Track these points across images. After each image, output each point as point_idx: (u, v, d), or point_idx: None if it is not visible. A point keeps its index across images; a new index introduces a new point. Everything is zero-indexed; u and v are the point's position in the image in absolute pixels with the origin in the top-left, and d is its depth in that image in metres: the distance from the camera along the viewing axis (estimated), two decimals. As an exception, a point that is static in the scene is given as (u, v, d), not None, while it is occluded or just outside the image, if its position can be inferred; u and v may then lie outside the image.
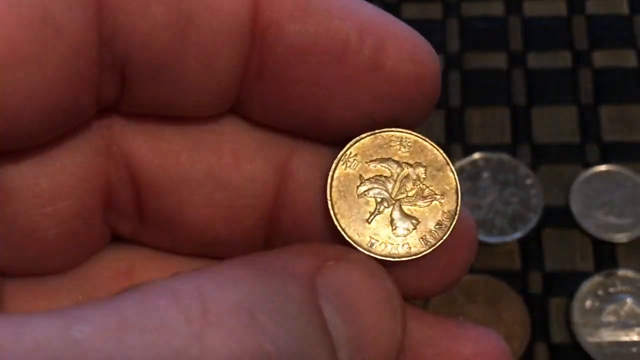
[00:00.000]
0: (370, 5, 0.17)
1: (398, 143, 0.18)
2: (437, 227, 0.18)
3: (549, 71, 0.44)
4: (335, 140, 0.18)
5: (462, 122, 0.43)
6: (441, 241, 0.18)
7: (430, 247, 0.18)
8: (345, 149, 0.18)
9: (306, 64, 0.17)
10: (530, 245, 0.40)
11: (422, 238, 0.18)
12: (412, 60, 0.17)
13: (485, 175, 0.41)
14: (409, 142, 0.18)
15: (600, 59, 0.44)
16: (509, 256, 0.40)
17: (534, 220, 0.40)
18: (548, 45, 0.45)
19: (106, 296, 0.14)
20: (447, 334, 0.19)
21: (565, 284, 0.39)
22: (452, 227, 0.18)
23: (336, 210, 0.18)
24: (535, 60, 0.44)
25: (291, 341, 0.14)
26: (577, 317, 0.38)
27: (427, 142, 0.19)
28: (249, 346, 0.13)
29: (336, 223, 0.18)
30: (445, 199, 0.18)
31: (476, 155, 0.42)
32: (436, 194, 0.18)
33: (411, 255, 0.18)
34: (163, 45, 0.16)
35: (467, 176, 0.41)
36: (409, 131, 0.18)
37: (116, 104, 0.18)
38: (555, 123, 0.43)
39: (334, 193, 0.18)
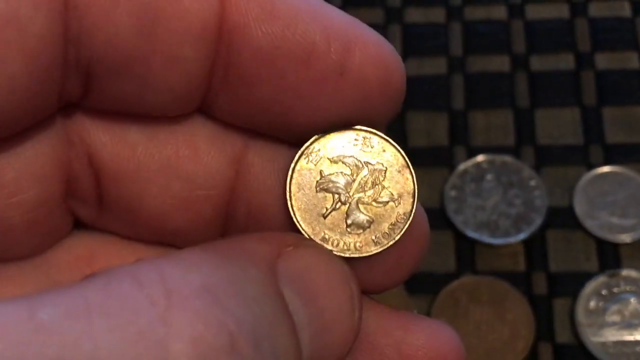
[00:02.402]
0: (337, 10, 0.18)
1: (361, 142, 0.19)
2: (390, 228, 0.19)
3: (552, 73, 0.44)
4: (300, 141, 0.19)
5: (465, 125, 0.43)
6: (392, 242, 0.19)
7: (380, 247, 0.19)
8: (308, 143, 0.18)
9: (272, 67, 0.17)
10: (535, 246, 0.40)
11: (374, 238, 0.19)
12: (378, 65, 0.17)
13: (489, 177, 0.41)
14: (372, 142, 0.19)
15: (603, 61, 0.44)
16: (513, 257, 0.40)
17: (538, 221, 0.40)
18: (551, 48, 0.45)
19: (70, 282, 0.14)
20: (402, 325, 0.19)
21: (569, 284, 0.39)
22: (404, 230, 0.19)
23: (294, 203, 0.19)
24: (538, 62, 0.45)
25: (254, 322, 0.14)
26: (581, 317, 0.38)
27: (390, 143, 0.19)
28: (212, 325, 0.14)
29: (292, 215, 0.18)
30: (401, 201, 0.19)
31: (480, 158, 0.42)
32: (393, 196, 0.19)
33: (361, 254, 0.19)
34: (128, 46, 0.16)
35: (471, 178, 0.41)
36: (373, 131, 0.19)
37: (80, 101, 0.18)
38: (559, 125, 0.43)
39: (293, 186, 0.19)
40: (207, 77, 0.17)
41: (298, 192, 0.19)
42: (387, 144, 0.19)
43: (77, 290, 0.14)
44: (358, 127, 0.18)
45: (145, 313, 0.13)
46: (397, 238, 0.19)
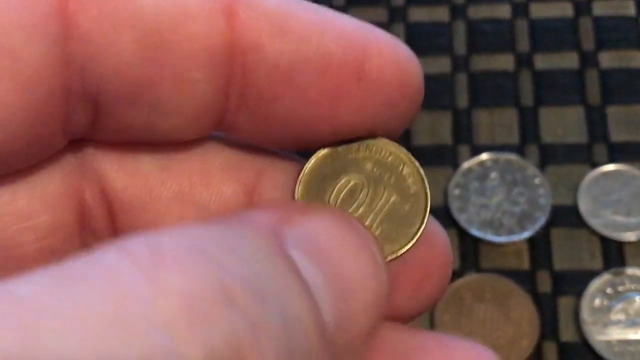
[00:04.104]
0: (348, 18, 0.17)
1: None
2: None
3: (556, 72, 0.44)
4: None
5: (469, 123, 0.43)
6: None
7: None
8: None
9: (290, 82, 0.17)
10: (539, 245, 0.40)
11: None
12: (396, 67, 0.17)
13: (493, 175, 0.41)
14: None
15: (607, 59, 0.44)
16: (517, 255, 0.40)
17: (542, 219, 0.40)
18: (555, 47, 0.45)
19: None
20: (442, 344, 0.18)
21: (574, 282, 0.39)
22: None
23: None
24: (542, 61, 0.45)
25: (254, 277, 0.13)
26: (586, 315, 0.38)
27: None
28: (204, 279, 0.13)
29: None
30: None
31: (484, 156, 0.42)
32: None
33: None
34: (134, 73, 0.16)
35: (475, 176, 0.41)
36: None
37: (89, 135, 0.18)
38: (563, 123, 0.43)
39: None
40: (220, 99, 0.17)
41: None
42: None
43: (57, 266, 0.13)
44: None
45: (129, 275, 0.13)
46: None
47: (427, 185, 0.18)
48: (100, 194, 0.19)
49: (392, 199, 0.18)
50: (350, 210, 0.18)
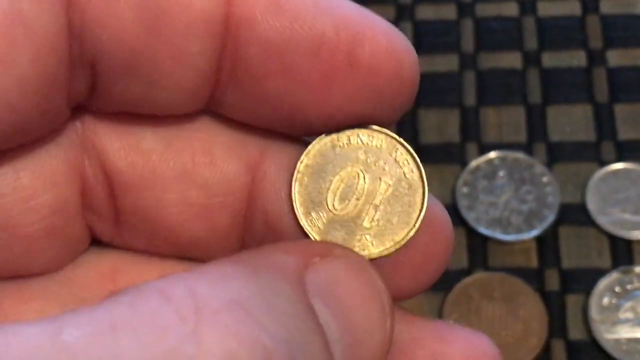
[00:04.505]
0: (346, 2, 0.17)
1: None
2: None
3: (564, 70, 0.44)
4: (310, 137, 0.18)
5: (477, 121, 0.43)
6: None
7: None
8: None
9: (281, 60, 0.17)
10: (547, 243, 0.40)
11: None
12: (389, 55, 0.17)
13: (501, 173, 0.41)
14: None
15: (615, 58, 0.44)
16: (525, 254, 0.40)
17: (550, 217, 0.40)
18: (562, 45, 0.45)
19: (95, 301, 0.14)
20: (437, 335, 0.18)
21: (582, 281, 0.39)
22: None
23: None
24: (549, 59, 0.45)
25: (288, 337, 0.14)
26: (594, 313, 0.38)
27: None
28: (245, 341, 0.13)
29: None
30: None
31: (492, 154, 0.42)
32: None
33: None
34: (132, 41, 0.16)
35: (483, 175, 0.41)
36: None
37: (87, 103, 0.18)
38: (571, 121, 0.43)
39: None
40: (214, 72, 0.17)
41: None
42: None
43: (103, 309, 0.13)
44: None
45: (174, 330, 0.13)
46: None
47: (423, 169, 0.18)
48: (102, 172, 0.19)
49: (389, 187, 0.18)
50: (349, 205, 0.18)
